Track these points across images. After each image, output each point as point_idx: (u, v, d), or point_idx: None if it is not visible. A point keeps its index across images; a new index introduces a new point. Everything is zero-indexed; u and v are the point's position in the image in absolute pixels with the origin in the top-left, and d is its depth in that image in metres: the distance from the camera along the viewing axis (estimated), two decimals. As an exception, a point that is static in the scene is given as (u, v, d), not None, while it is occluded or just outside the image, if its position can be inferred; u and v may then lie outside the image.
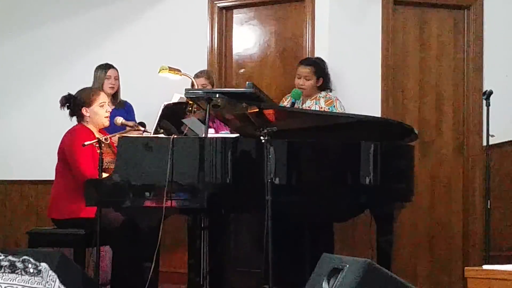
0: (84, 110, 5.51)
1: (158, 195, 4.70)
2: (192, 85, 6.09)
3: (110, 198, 4.89)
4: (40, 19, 7.53)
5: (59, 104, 5.53)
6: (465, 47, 6.56)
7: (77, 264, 4.92)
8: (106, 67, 6.51)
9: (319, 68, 6.08)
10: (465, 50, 6.56)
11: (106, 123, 5.58)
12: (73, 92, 5.58)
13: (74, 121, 5.60)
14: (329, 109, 5.95)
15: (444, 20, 6.58)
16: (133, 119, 6.27)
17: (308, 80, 6.03)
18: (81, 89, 5.61)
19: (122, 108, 6.51)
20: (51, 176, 5.63)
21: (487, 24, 6.52)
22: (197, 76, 6.38)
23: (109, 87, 6.48)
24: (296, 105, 5.93)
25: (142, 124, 5.49)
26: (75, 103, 5.52)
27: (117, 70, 6.53)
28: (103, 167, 5.06)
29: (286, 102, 6.11)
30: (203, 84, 6.32)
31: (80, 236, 5.27)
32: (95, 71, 6.52)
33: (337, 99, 6.02)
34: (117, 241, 5.21)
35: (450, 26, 6.59)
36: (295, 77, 6.08)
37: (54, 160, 5.57)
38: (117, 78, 6.53)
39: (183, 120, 5.42)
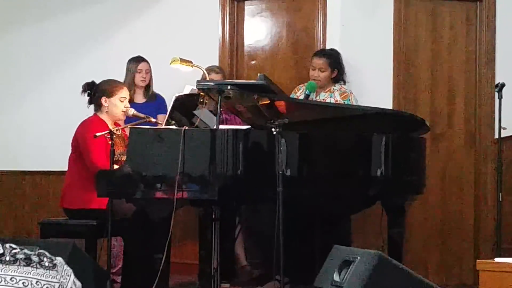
0: (103, 100, 5.51)
1: (169, 186, 4.71)
2: (204, 77, 6.10)
3: (122, 189, 4.90)
4: (53, 10, 7.53)
5: (81, 89, 5.54)
6: (477, 39, 6.54)
7: (88, 255, 4.95)
8: (137, 60, 6.51)
9: (334, 60, 6.07)
10: (477, 42, 6.54)
11: (122, 117, 5.59)
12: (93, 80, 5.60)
13: (89, 110, 5.60)
14: (344, 102, 5.94)
15: (456, 12, 6.56)
16: (165, 113, 6.27)
17: (323, 71, 6.02)
18: (107, 79, 5.62)
19: (154, 101, 6.50)
20: (63, 167, 5.64)
21: (500, 16, 6.50)
22: (215, 71, 6.38)
23: (140, 80, 6.49)
24: (310, 98, 5.91)
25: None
26: (96, 91, 5.53)
27: (148, 63, 6.51)
28: (115, 159, 5.07)
29: (299, 93, 6.10)
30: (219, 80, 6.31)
31: (92, 226, 5.28)
32: (127, 64, 6.53)
33: (352, 93, 6.02)
34: (128, 232, 5.23)
35: (462, 18, 6.57)
36: (310, 68, 6.07)
37: (66, 150, 5.59)
38: (148, 71, 6.52)
39: (195, 112, 5.42)
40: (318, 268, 4.65)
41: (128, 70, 6.51)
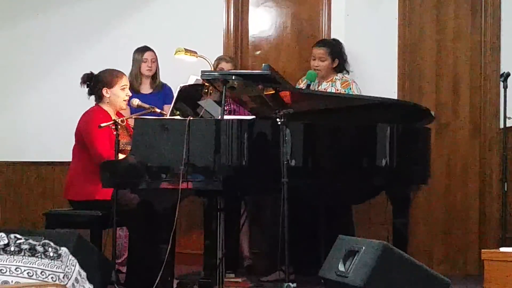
0: (104, 91, 5.49)
1: (174, 176, 4.71)
2: (215, 67, 6.11)
3: (127, 179, 4.91)
4: (58, 1, 7.53)
5: (80, 81, 5.52)
6: (482, 29, 6.51)
7: (93, 245, 4.95)
8: (143, 49, 6.51)
9: (334, 49, 6.06)
10: (482, 32, 6.51)
11: (124, 106, 5.58)
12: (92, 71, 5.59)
13: (91, 101, 5.59)
14: (345, 91, 5.93)
15: (461, 2, 6.53)
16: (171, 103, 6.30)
17: (323, 61, 6.01)
18: (105, 70, 5.58)
19: (160, 91, 6.50)
20: (68, 158, 5.64)
21: (505, 6, 6.46)
22: (226, 60, 6.38)
23: (147, 70, 6.49)
24: (312, 87, 5.91)
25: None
26: (96, 82, 5.51)
27: (154, 53, 6.52)
28: (119, 148, 5.07)
29: (302, 85, 6.10)
30: (230, 70, 6.31)
31: (97, 217, 5.28)
32: (133, 54, 6.53)
33: (354, 82, 6.01)
34: (133, 222, 5.23)
35: (467, 7, 6.54)
36: (311, 58, 6.07)
37: (71, 141, 5.59)
38: (154, 61, 6.52)
39: (199, 102, 5.42)
40: (323, 259, 4.66)
41: (134, 60, 6.52)
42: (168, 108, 5.89)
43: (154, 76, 6.54)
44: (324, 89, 5.98)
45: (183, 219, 6.21)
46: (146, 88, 6.51)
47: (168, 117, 5.22)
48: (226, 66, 6.32)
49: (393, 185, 5.15)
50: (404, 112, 5.37)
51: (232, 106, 6.28)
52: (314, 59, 6.03)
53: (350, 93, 5.91)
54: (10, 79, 7.63)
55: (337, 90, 5.96)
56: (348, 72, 6.11)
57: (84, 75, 5.54)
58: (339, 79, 6.03)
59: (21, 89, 7.60)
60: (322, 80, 6.04)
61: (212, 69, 6.17)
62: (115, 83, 5.50)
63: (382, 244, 4.14)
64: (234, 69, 6.34)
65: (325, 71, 6.02)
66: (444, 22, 6.54)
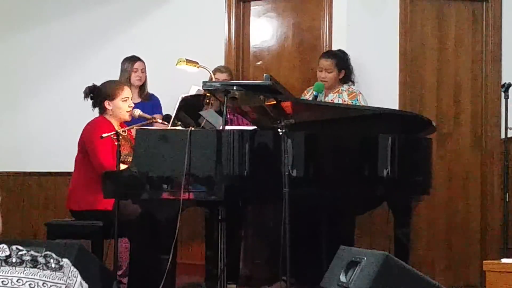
0: (106, 103, 5.49)
1: (175, 187, 4.71)
2: (211, 78, 6.10)
3: (128, 190, 4.91)
4: (60, 11, 7.54)
5: (83, 95, 5.52)
6: (483, 39, 6.52)
7: (95, 256, 4.95)
8: (133, 59, 6.50)
9: (341, 61, 6.06)
10: (483, 42, 6.53)
11: (128, 117, 5.56)
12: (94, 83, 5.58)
13: (94, 112, 5.60)
14: (352, 102, 5.94)
15: (462, 12, 6.55)
16: (160, 113, 6.28)
17: (330, 72, 6.02)
18: (106, 81, 5.58)
19: (149, 101, 6.50)
20: (69, 168, 5.65)
21: (506, 16, 6.49)
22: (220, 71, 6.39)
23: (136, 80, 6.48)
24: (319, 98, 5.91)
25: (168, 117, 5.48)
26: (98, 95, 5.51)
27: (144, 63, 6.52)
28: (121, 159, 5.07)
29: (308, 95, 6.10)
30: (225, 80, 6.31)
31: (98, 227, 5.28)
32: (122, 63, 6.51)
33: (360, 93, 6.01)
34: (135, 233, 5.23)
35: (469, 18, 6.55)
36: (317, 70, 6.08)
37: (72, 151, 5.59)
38: (144, 71, 6.51)
39: (201, 113, 5.43)
40: (325, 269, 4.65)
41: (123, 69, 6.49)
42: (158, 118, 5.91)
43: (142, 86, 6.54)
44: (331, 100, 5.99)
45: (184, 229, 6.20)
46: (134, 98, 6.45)
47: (169, 127, 5.22)
48: (221, 76, 6.33)
49: (394, 196, 5.15)
50: (405, 123, 5.37)
51: (229, 116, 6.27)
52: (321, 71, 6.03)
53: (357, 104, 5.91)
54: (11, 90, 7.63)
55: (344, 101, 5.96)
56: (353, 82, 6.12)
57: (86, 88, 5.53)
58: (345, 90, 6.03)
59: (22, 99, 7.60)
60: (328, 91, 6.04)
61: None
62: (116, 95, 5.49)
63: (384, 254, 4.13)
64: (229, 79, 6.35)
65: (332, 83, 6.03)
66: (445, 32, 6.55)
